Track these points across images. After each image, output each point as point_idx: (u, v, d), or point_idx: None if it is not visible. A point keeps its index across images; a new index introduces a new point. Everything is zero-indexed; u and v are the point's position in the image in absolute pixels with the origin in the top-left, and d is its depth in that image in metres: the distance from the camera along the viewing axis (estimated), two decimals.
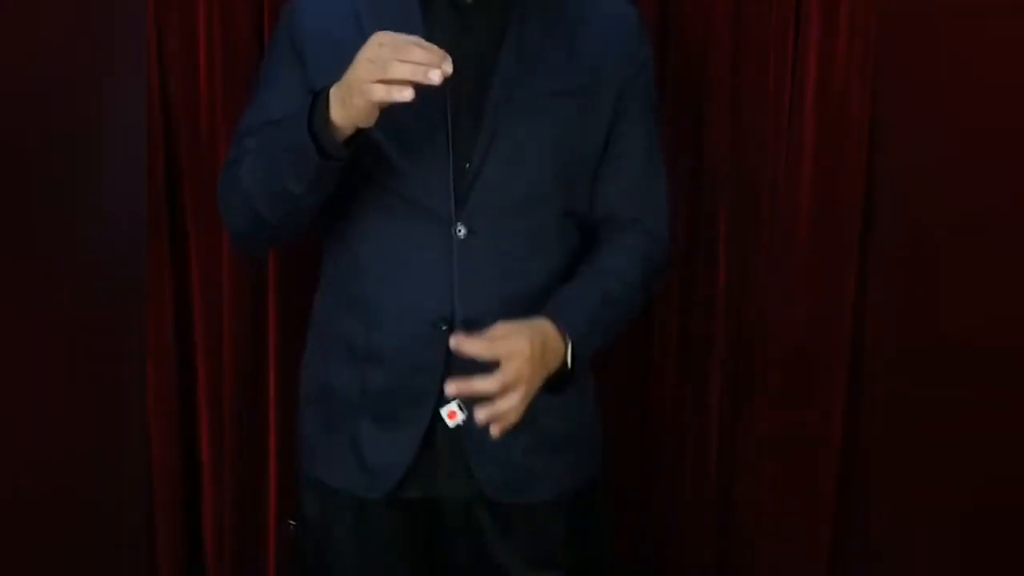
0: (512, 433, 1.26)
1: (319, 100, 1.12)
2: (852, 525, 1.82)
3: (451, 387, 1.10)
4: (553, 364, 1.17)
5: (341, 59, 1.20)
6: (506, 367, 1.10)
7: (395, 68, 1.04)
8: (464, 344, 1.11)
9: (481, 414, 1.10)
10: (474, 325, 1.22)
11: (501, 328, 1.13)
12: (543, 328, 1.17)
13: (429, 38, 1.19)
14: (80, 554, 0.91)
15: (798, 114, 1.70)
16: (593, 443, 1.39)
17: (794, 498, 1.82)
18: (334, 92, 1.11)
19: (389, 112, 1.13)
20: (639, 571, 1.88)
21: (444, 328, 1.23)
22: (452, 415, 1.17)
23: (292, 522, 1.41)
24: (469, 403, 1.14)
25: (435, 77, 1.03)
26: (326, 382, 1.33)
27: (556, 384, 1.19)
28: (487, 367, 1.23)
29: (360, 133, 1.13)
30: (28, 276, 0.87)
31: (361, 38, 1.20)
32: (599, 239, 1.33)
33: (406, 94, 1.04)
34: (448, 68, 1.04)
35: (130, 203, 0.94)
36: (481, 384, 1.10)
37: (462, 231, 1.22)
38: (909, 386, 1.02)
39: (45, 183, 0.87)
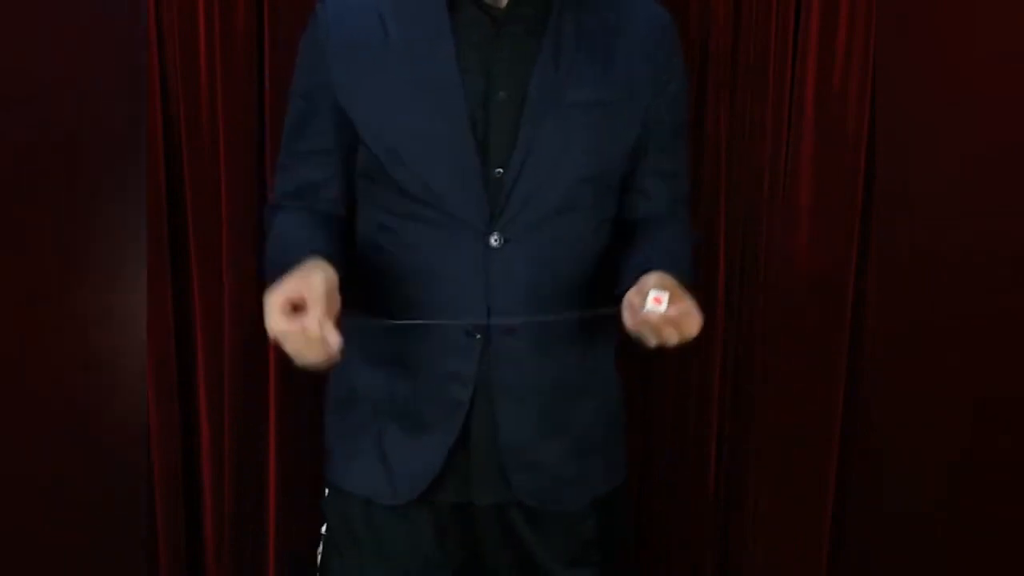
0: (547, 439, 1.27)
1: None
2: (852, 525, 1.82)
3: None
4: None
5: (364, 64, 1.21)
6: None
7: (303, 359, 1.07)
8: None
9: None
10: (508, 334, 1.22)
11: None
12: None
13: (460, 46, 1.20)
14: (80, 554, 0.91)
15: (798, 113, 1.70)
16: (622, 447, 1.39)
17: (794, 498, 1.82)
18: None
19: (409, 126, 1.19)
20: (639, 571, 1.88)
21: (478, 336, 1.22)
22: (658, 300, 1.14)
23: (323, 530, 1.39)
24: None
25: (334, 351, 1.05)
26: (352, 388, 1.32)
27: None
28: (527, 375, 1.24)
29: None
30: (28, 275, 0.87)
31: (386, 43, 1.21)
32: (638, 236, 1.31)
33: (332, 341, 1.05)
34: (333, 346, 1.05)
35: (130, 203, 0.94)
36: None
37: (497, 240, 1.21)
38: (909, 385, 1.02)
39: (45, 182, 0.87)
